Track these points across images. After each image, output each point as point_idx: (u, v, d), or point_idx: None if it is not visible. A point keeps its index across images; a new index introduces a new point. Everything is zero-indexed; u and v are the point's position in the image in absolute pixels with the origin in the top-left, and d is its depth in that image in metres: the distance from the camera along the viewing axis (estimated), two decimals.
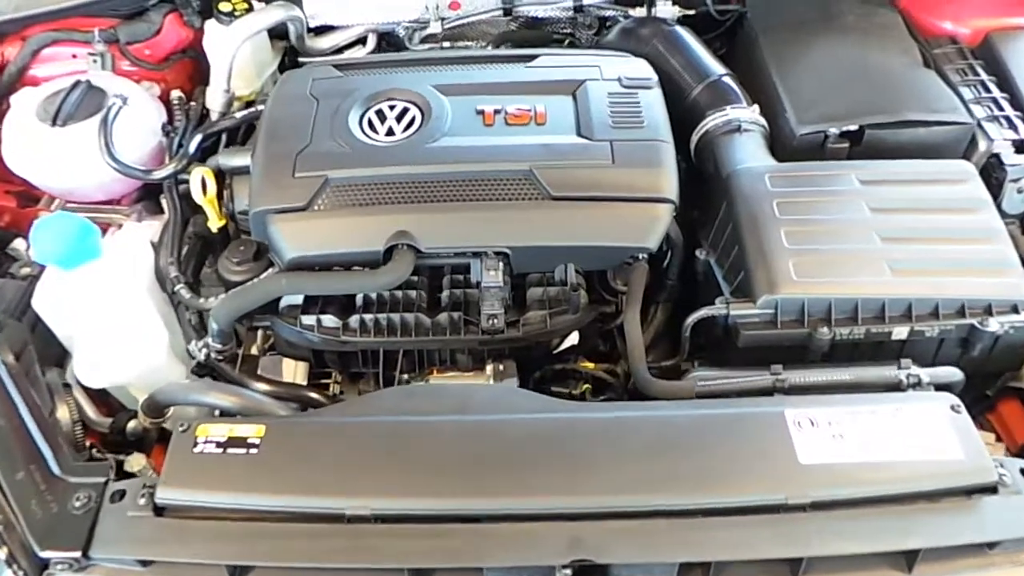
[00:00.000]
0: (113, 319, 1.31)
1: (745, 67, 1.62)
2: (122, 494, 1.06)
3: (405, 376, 1.35)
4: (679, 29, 1.65)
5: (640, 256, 1.33)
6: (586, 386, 1.43)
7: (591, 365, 1.43)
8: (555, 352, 1.39)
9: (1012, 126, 1.45)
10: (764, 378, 1.17)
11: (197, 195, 1.43)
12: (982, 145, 1.43)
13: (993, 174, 1.41)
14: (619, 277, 1.37)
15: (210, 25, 1.73)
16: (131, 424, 1.34)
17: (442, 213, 1.31)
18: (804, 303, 1.22)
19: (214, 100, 1.66)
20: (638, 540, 0.98)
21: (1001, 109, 1.47)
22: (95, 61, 1.64)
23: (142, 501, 1.04)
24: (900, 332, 1.22)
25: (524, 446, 1.07)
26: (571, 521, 0.99)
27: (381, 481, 1.04)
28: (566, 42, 1.89)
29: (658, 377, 1.25)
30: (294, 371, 1.41)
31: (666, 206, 1.33)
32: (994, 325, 1.19)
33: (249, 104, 1.77)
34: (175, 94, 1.69)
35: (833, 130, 1.44)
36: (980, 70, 1.55)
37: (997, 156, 1.41)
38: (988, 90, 1.51)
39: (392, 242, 1.29)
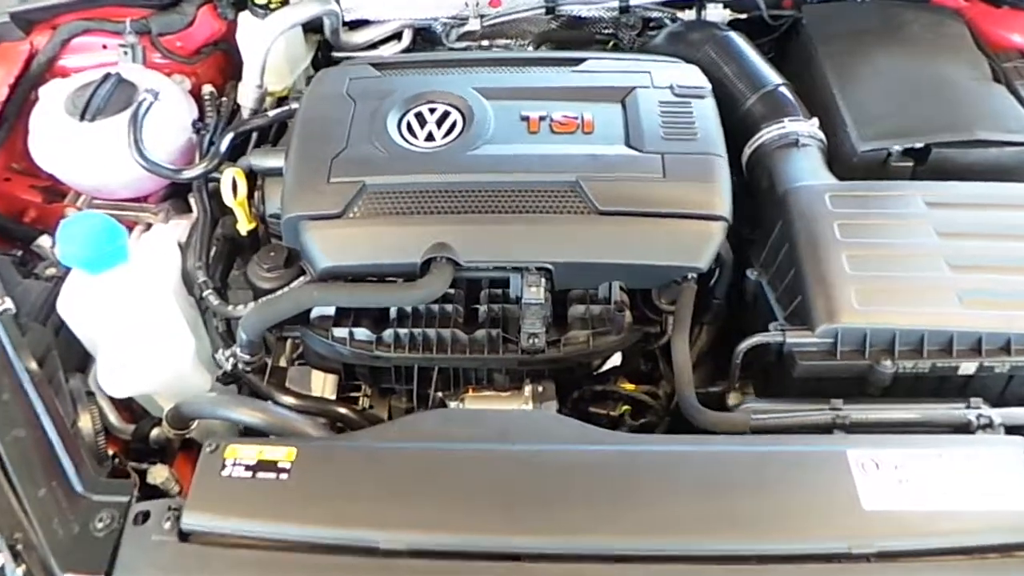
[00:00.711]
0: (139, 326, 1.26)
1: (800, 77, 1.54)
2: (146, 515, 1.01)
3: (439, 394, 1.29)
4: (733, 34, 1.57)
5: (689, 276, 1.27)
6: (625, 407, 1.38)
7: (631, 386, 1.37)
8: (596, 373, 1.32)
9: None
10: (823, 413, 1.10)
11: (228, 197, 1.38)
12: None
13: None
14: (664, 296, 1.31)
15: (244, 18, 1.67)
16: (154, 432, 1.30)
17: (483, 225, 1.25)
18: (866, 333, 1.15)
19: (246, 96, 1.60)
20: None
21: None
22: (126, 53, 1.59)
23: (167, 525, 0.99)
24: (967, 367, 1.14)
25: (568, 480, 1.01)
26: (616, 563, 0.94)
27: (417, 513, 0.99)
28: (610, 44, 1.82)
29: (704, 404, 1.18)
30: (323, 384, 1.36)
31: (719, 224, 1.26)
32: None
33: (281, 100, 1.72)
34: (206, 89, 1.64)
35: (897, 148, 1.36)
36: None
37: None
38: None
39: (430, 254, 1.23)
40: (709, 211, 1.26)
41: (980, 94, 1.43)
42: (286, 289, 1.30)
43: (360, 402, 1.37)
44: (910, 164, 1.37)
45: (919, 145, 1.36)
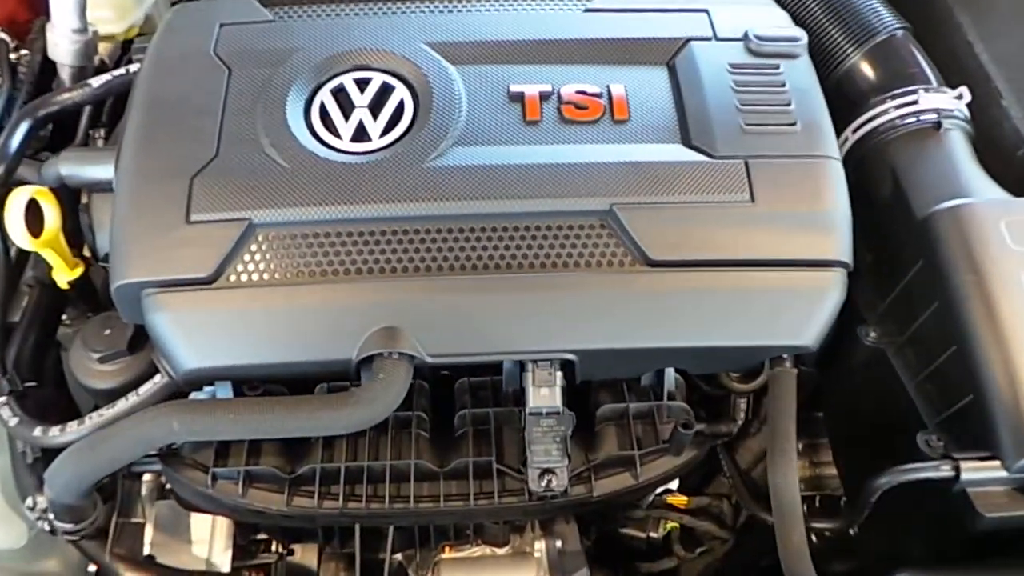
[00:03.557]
0: None
1: (907, 15, 1.03)
2: None
3: (397, 557, 0.82)
4: None
5: (785, 356, 0.80)
6: (672, 525, 0.94)
7: (683, 500, 0.93)
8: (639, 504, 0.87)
9: None
10: None
11: (20, 238, 0.82)
12: None
13: None
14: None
15: None
16: None
17: (459, 293, 0.75)
18: None
19: (61, 45, 1.00)
20: None
21: None
22: None
23: None
24: None
25: None
26: None
27: None
28: None
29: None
30: (211, 530, 0.86)
31: (838, 274, 0.79)
32: None
33: (127, 46, 1.13)
34: None
35: None
36: None
37: None
38: None
39: (373, 349, 0.73)
40: (823, 255, 0.79)
41: None
42: (130, 401, 0.78)
43: (274, 545, 0.89)
44: None
45: None
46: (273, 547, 0.89)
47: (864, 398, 0.91)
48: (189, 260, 0.75)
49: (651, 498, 0.91)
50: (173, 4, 1.25)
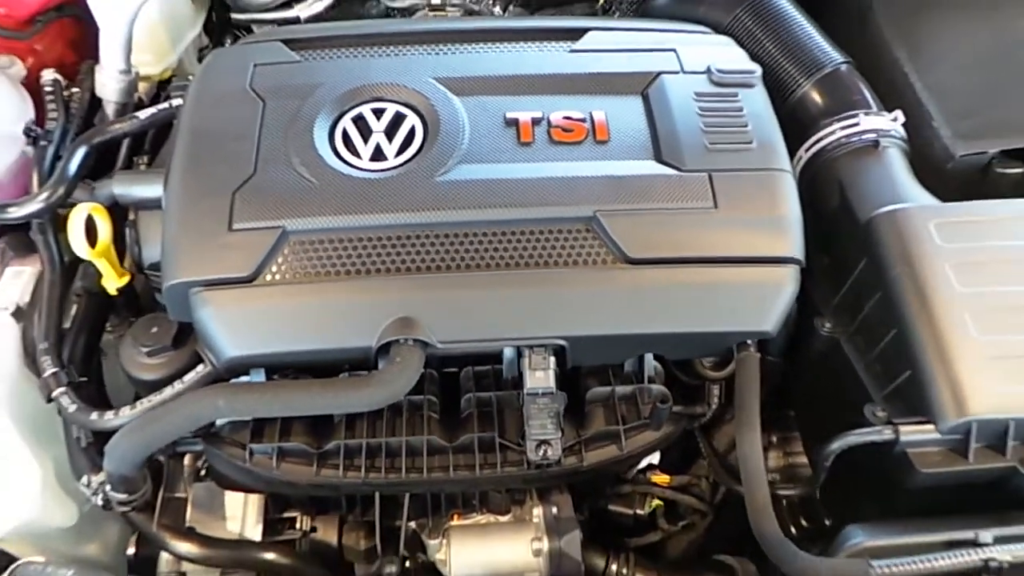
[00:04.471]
0: None
1: (850, 50, 1.18)
2: None
3: (412, 524, 0.92)
4: None
5: (750, 341, 0.92)
6: (657, 503, 1.05)
7: (665, 478, 1.03)
8: (625, 476, 0.98)
9: None
10: (967, 555, 0.78)
11: (80, 247, 0.94)
12: None
13: None
14: (710, 360, 0.97)
15: None
16: None
17: (464, 289, 0.87)
18: (1010, 425, 0.83)
19: (108, 85, 1.13)
20: None
21: None
22: None
23: None
24: None
25: None
26: None
27: None
28: (599, 3, 1.41)
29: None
30: (243, 508, 0.96)
31: (791, 269, 0.91)
32: None
33: (163, 87, 1.26)
34: (48, 76, 1.15)
35: (998, 151, 1.03)
36: None
37: None
38: None
39: (391, 336, 0.84)
40: (778, 252, 0.91)
41: None
42: (177, 387, 0.89)
43: (299, 523, 0.99)
44: (1018, 170, 1.04)
45: None
46: (298, 524, 0.98)
47: (823, 382, 1.02)
48: (231, 262, 0.86)
49: (636, 475, 1.01)
50: (201, 51, 1.40)
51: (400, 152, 0.93)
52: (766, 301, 0.91)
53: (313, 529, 0.98)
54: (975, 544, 0.79)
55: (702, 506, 1.04)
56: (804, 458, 1.11)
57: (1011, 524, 0.82)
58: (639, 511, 1.04)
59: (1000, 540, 0.79)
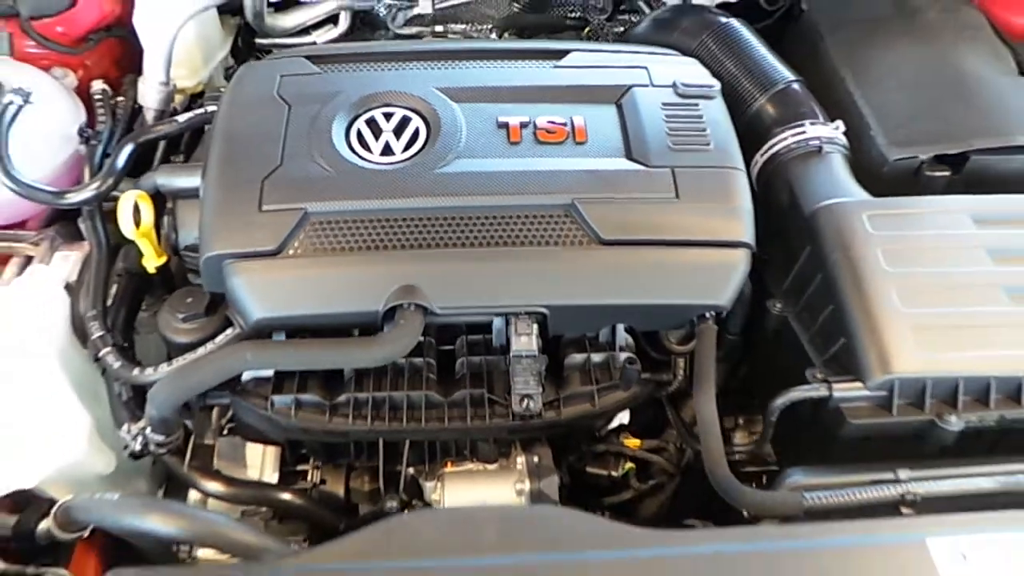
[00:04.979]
0: (16, 403, 0.97)
1: (803, 71, 1.34)
2: None
3: (410, 470, 1.05)
4: (734, 21, 1.36)
5: (708, 315, 1.06)
6: (629, 466, 1.17)
7: (636, 442, 1.16)
8: (599, 433, 1.11)
9: None
10: (887, 490, 0.91)
11: (127, 228, 1.08)
12: None
13: None
14: (674, 334, 1.10)
15: None
16: (42, 525, 1.01)
17: (460, 262, 1.01)
18: (926, 383, 0.96)
19: (149, 95, 1.30)
20: None
21: None
22: None
23: None
24: None
25: None
26: None
27: None
28: (586, 30, 1.59)
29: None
30: (262, 458, 1.09)
31: (743, 252, 1.06)
32: None
33: (194, 99, 1.42)
34: (97, 86, 1.32)
35: (929, 156, 1.18)
36: None
37: None
38: None
39: (395, 300, 0.98)
40: (732, 237, 1.05)
41: (1013, 91, 1.26)
42: (209, 347, 1.02)
43: (310, 475, 1.11)
44: (945, 173, 1.19)
45: (954, 152, 1.18)
46: (309, 477, 1.11)
47: (775, 356, 1.16)
48: (260, 238, 1.00)
49: (611, 437, 1.14)
50: (228, 69, 1.56)
51: (406, 148, 1.08)
52: (721, 279, 1.05)
53: (323, 481, 1.11)
54: (895, 481, 0.92)
55: (670, 467, 1.16)
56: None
57: (928, 468, 0.95)
58: (613, 473, 1.16)
59: (916, 479, 0.92)
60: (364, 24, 1.65)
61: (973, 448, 1.00)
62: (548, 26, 1.61)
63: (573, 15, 1.68)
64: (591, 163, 1.08)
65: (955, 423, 0.96)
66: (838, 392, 0.98)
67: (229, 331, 1.03)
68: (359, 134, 1.10)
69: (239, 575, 0.80)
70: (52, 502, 1.02)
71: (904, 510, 0.91)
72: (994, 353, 0.98)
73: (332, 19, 1.59)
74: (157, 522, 0.87)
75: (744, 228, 1.06)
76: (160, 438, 1.00)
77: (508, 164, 1.07)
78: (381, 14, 1.60)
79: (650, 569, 0.81)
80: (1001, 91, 1.26)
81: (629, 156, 1.09)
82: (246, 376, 1.03)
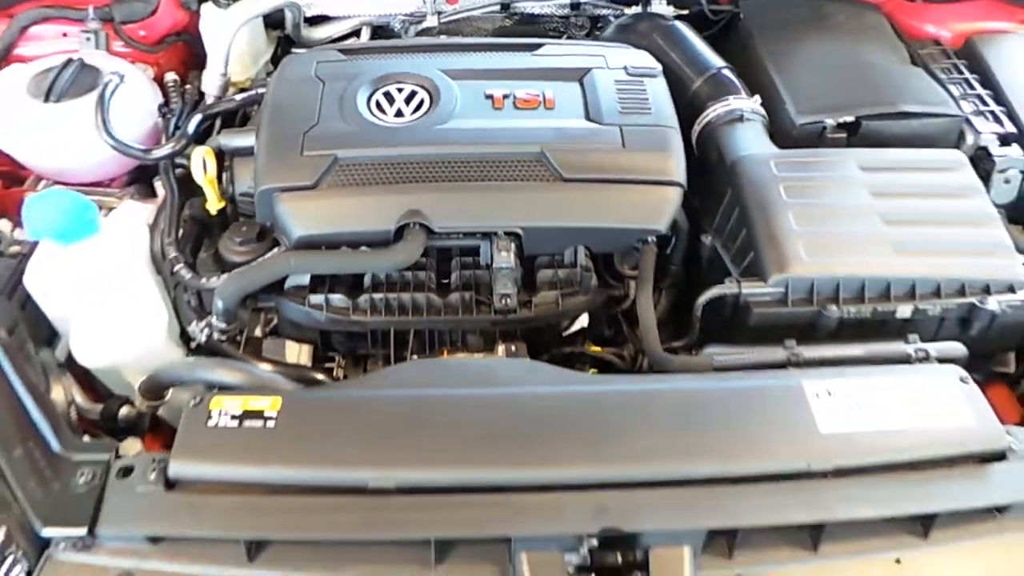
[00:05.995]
0: (112, 297, 1.26)
1: (741, 65, 1.65)
2: (129, 470, 1.02)
3: (415, 356, 1.33)
4: (678, 24, 1.69)
5: (650, 239, 1.35)
6: (593, 370, 1.44)
7: (598, 349, 1.43)
8: (564, 335, 1.38)
9: (997, 120, 1.52)
10: (779, 353, 1.18)
11: (198, 175, 1.40)
12: (970, 138, 1.49)
13: (980, 165, 1.46)
14: (626, 262, 1.39)
15: (207, 8, 1.70)
16: (123, 411, 1.29)
17: (454, 192, 1.31)
18: (813, 282, 1.24)
19: (210, 84, 1.63)
20: (665, 508, 0.98)
21: (986, 104, 1.54)
22: (88, 39, 1.60)
23: (152, 476, 1.00)
24: (904, 311, 1.25)
25: (549, 417, 1.06)
26: (598, 490, 0.99)
27: (403, 453, 1.02)
28: (564, 37, 1.92)
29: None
30: (298, 354, 1.37)
31: (676, 189, 1.35)
32: (992, 304, 1.23)
33: (244, 91, 1.75)
34: (170, 76, 1.66)
35: (831, 121, 1.48)
36: (964, 69, 1.62)
37: (985, 148, 1.47)
38: (972, 87, 1.58)
39: (403, 221, 1.28)
40: (666, 177, 1.35)
41: (901, 74, 1.57)
42: (262, 259, 1.32)
43: (335, 370, 1.39)
44: (843, 135, 1.49)
45: (850, 118, 1.48)
46: (334, 373, 1.39)
47: (708, 279, 1.43)
48: (301, 175, 1.30)
49: (576, 340, 1.41)
50: (276, 63, 1.89)
51: (414, 112, 1.39)
52: (658, 208, 1.33)
53: (346, 376, 1.39)
54: (785, 348, 1.19)
55: (625, 368, 1.42)
56: None
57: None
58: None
59: (801, 348, 1.19)
60: (382, 37, 1.99)
61: (859, 338, 1.27)
62: (534, 36, 1.94)
63: (557, 29, 2.02)
64: (558, 123, 1.39)
65: (835, 312, 1.23)
66: (746, 289, 1.25)
67: (276, 249, 1.33)
68: (377, 102, 1.41)
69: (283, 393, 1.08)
70: (126, 400, 1.30)
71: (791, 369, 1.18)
72: (868, 260, 1.26)
73: (355, 33, 1.93)
74: (223, 375, 1.15)
75: (677, 170, 1.35)
76: (223, 325, 1.29)
77: (493, 123, 1.38)
78: (396, 28, 1.93)
79: (588, 399, 1.09)
80: (890, 73, 1.56)
81: (588, 118, 1.40)
82: (288, 283, 1.32)
